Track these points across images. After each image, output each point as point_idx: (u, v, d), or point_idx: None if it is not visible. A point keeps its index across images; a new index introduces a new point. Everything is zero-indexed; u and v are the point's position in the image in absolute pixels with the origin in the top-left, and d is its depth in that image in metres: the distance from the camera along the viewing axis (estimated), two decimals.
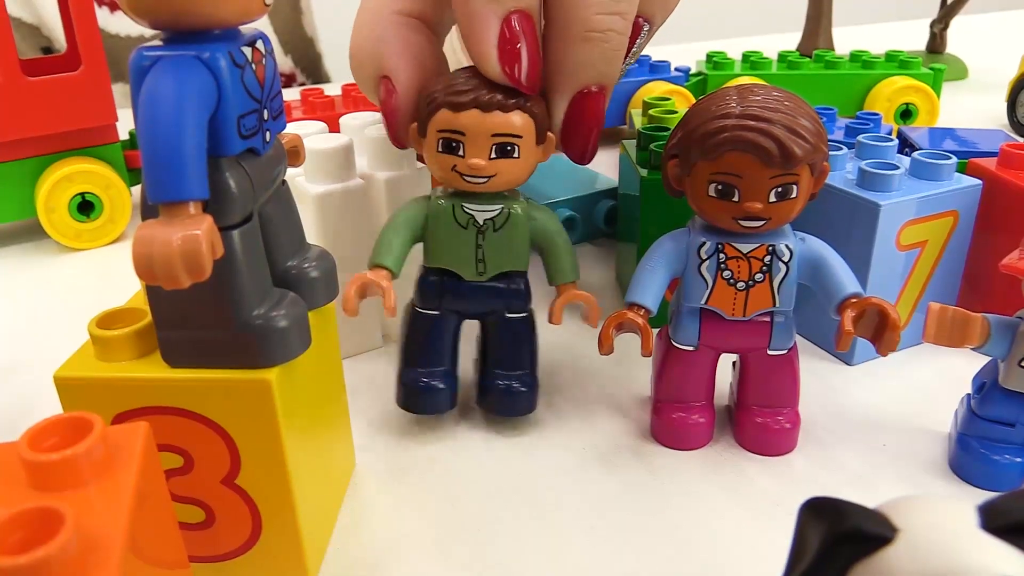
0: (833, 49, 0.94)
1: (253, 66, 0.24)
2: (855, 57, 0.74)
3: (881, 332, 0.30)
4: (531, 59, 0.30)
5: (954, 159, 0.38)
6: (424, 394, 0.35)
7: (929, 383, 0.38)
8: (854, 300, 0.30)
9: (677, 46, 0.99)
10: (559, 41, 0.30)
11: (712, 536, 0.30)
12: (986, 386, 0.32)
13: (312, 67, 0.92)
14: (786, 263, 0.31)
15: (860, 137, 0.41)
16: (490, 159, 0.31)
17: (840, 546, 0.17)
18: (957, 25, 0.97)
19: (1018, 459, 0.31)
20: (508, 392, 0.35)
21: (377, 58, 0.34)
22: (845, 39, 1.00)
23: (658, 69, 0.71)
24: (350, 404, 0.34)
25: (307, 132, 0.41)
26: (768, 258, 0.31)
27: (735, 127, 0.28)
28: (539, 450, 0.35)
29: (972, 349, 0.30)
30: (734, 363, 0.36)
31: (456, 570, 0.28)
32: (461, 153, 0.31)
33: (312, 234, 0.38)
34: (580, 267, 0.34)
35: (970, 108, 0.82)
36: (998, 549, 0.16)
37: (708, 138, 0.29)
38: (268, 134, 0.26)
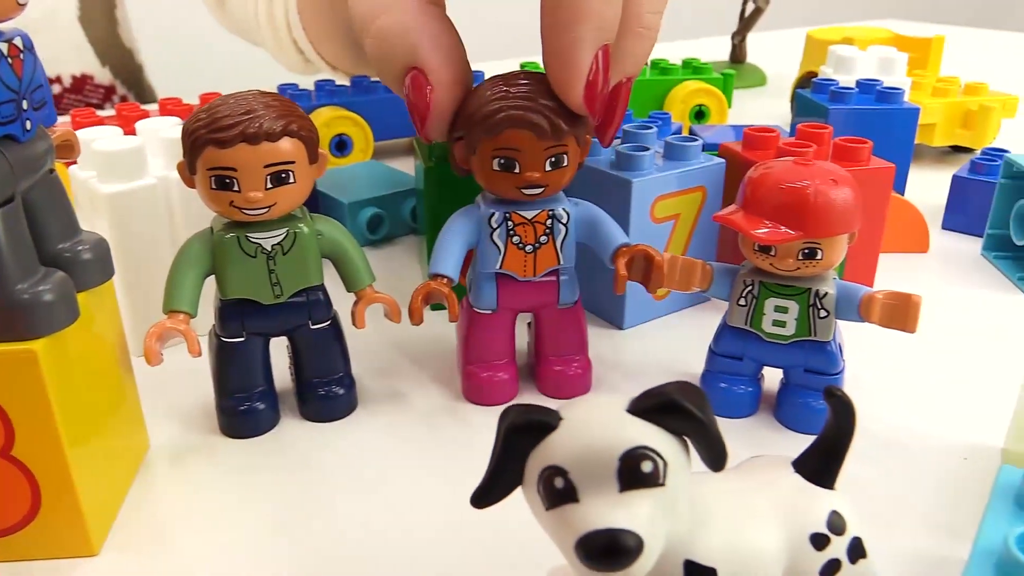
0: (647, 63, 1.01)
1: (9, 60, 0.26)
2: (654, 65, 0.80)
3: (649, 274, 0.35)
4: (604, 91, 0.32)
5: (700, 141, 0.43)
6: (246, 417, 0.36)
7: (689, 339, 0.42)
8: (624, 249, 0.35)
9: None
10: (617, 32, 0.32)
11: None
12: (719, 326, 0.36)
13: (133, 79, 0.91)
14: (565, 224, 0.35)
15: (626, 126, 0.46)
16: (267, 190, 0.32)
17: (515, 435, 0.20)
18: (761, 39, 1.06)
19: (750, 388, 0.36)
20: (328, 397, 0.37)
21: (408, 50, 0.33)
22: (672, 52, 1.07)
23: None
24: (162, 391, 0.35)
25: (101, 135, 0.42)
26: (549, 221, 0.35)
27: (511, 107, 0.32)
28: (349, 423, 0.37)
29: (702, 292, 0.35)
30: (529, 324, 0.39)
31: (241, 539, 0.30)
32: (236, 188, 0.31)
33: (107, 234, 0.39)
34: (391, 261, 0.37)
35: (763, 109, 0.90)
36: (637, 425, 0.19)
37: (488, 118, 0.33)
38: (29, 123, 0.27)
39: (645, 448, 0.19)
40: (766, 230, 0.31)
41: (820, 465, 0.23)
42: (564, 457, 0.19)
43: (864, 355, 0.40)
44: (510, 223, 0.35)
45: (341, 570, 0.28)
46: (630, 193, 0.40)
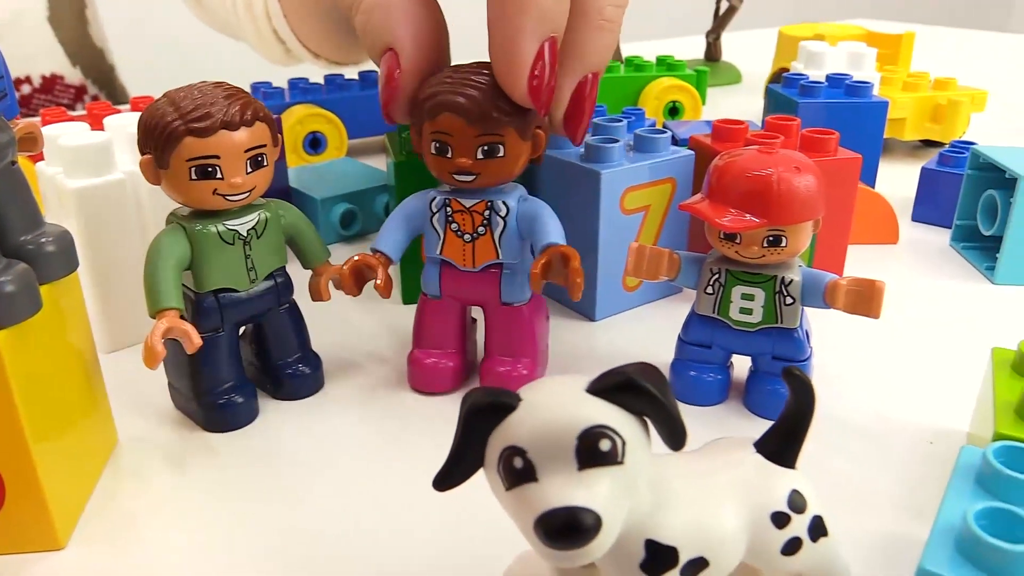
0: (623, 60, 1.01)
1: None
2: (629, 62, 0.80)
3: (569, 277, 0.33)
4: (551, 84, 0.32)
5: (669, 134, 0.43)
6: (226, 410, 0.36)
7: (660, 330, 0.42)
8: (551, 248, 0.34)
9: None
10: (574, 29, 0.32)
11: None
12: (688, 315, 0.36)
13: (104, 79, 0.90)
14: (503, 218, 0.35)
15: (596, 120, 0.46)
16: (247, 174, 0.32)
17: (475, 416, 0.20)
18: (736, 38, 1.07)
19: (719, 376, 0.36)
20: (297, 376, 0.38)
21: (384, 29, 0.34)
22: (647, 51, 1.07)
23: None
24: (131, 386, 0.35)
25: (67, 131, 0.42)
26: (487, 212, 0.35)
27: (447, 92, 0.33)
28: (314, 412, 0.37)
29: (669, 281, 0.35)
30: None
31: (208, 531, 0.30)
32: (219, 176, 0.32)
33: (75, 230, 0.39)
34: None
35: (738, 106, 0.90)
36: (595, 404, 0.19)
37: (428, 101, 0.33)
38: None
39: (603, 427, 0.19)
40: (730, 218, 0.32)
41: (781, 445, 0.23)
42: (523, 437, 0.19)
43: (834, 343, 0.41)
44: (449, 209, 0.35)
45: (308, 559, 0.28)
46: (599, 185, 0.40)
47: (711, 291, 0.35)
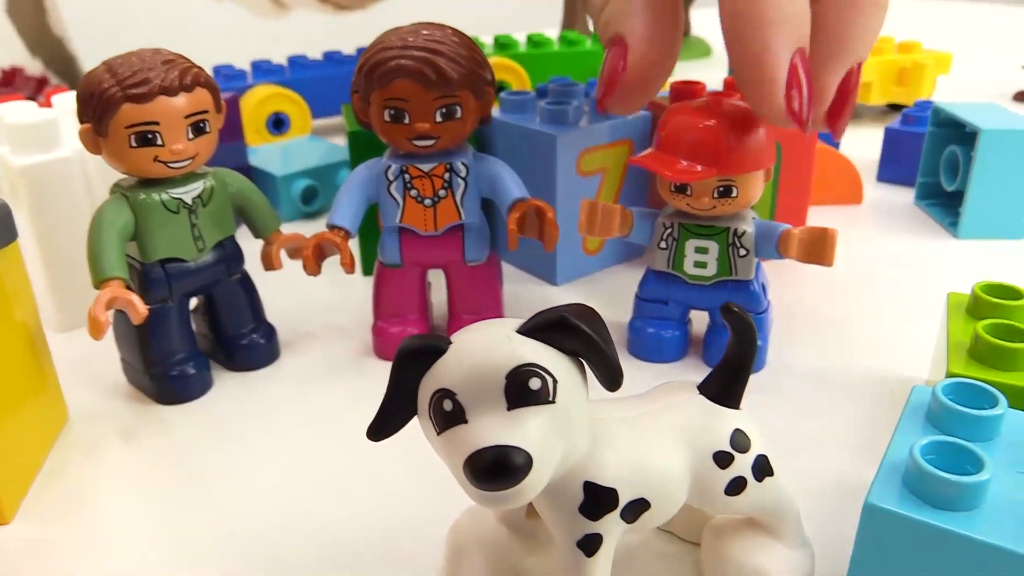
0: (589, 35, 1.01)
1: None
2: (596, 37, 0.80)
3: (543, 230, 0.34)
4: (810, 95, 0.28)
5: None
6: (178, 382, 0.35)
7: (622, 292, 0.42)
8: (518, 204, 0.34)
9: None
10: (839, 15, 0.28)
11: None
12: (645, 272, 0.36)
13: (66, 69, 0.89)
14: (464, 178, 0.35)
15: (551, 85, 0.45)
16: (188, 140, 0.32)
17: (405, 362, 0.20)
18: (708, 13, 1.06)
19: (677, 332, 0.36)
20: (252, 347, 0.37)
21: (615, 14, 0.30)
22: None
23: None
24: (82, 362, 0.35)
25: (13, 109, 0.41)
26: (447, 175, 0.35)
27: (398, 56, 0.32)
28: (269, 384, 0.37)
29: (623, 238, 0.35)
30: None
31: (160, 504, 0.29)
32: (160, 143, 0.31)
33: (24, 209, 0.39)
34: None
35: (708, 80, 0.90)
36: (525, 343, 0.19)
37: (376, 69, 0.32)
38: None
39: (532, 365, 0.18)
40: (678, 168, 0.31)
41: (724, 386, 0.23)
42: (452, 379, 0.19)
43: (799, 298, 0.41)
44: (407, 176, 0.35)
45: (263, 530, 0.28)
46: (555, 147, 0.40)
47: (665, 246, 0.34)
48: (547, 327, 0.19)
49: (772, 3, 0.26)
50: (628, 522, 0.21)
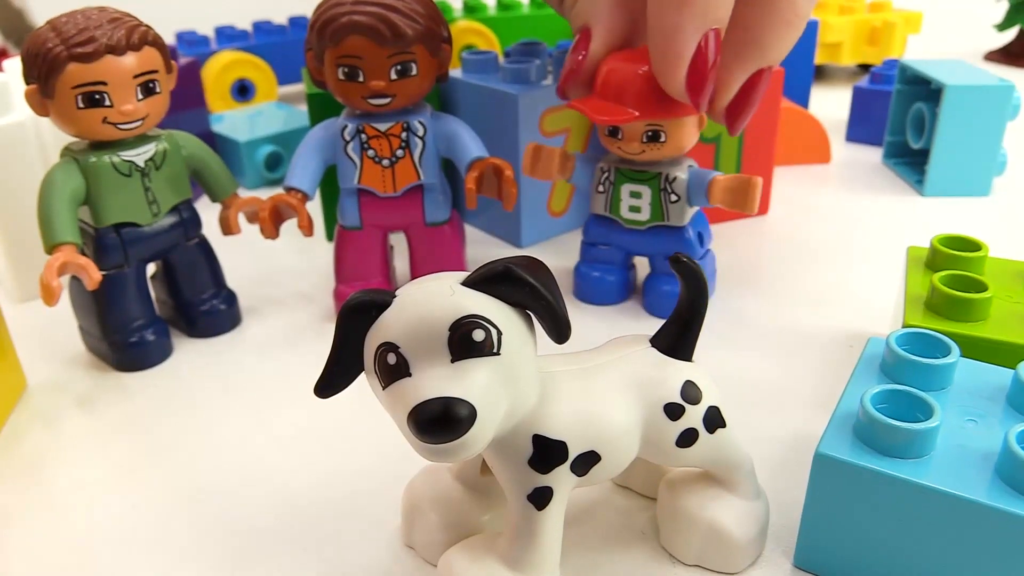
0: None
1: None
2: None
3: (501, 189, 0.34)
4: (711, 79, 0.29)
5: None
6: (137, 349, 0.34)
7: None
8: (476, 163, 0.34)
9: None
10: (760, 20, 0.29)
11: None
12: (587, 217, 0.37)
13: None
14: (421, 138, 0.34)
15: (513, 45, 0.45)
16: (138, 101, 0.31)
17: (350, 317, 0.19)
18: None
19: (618, 276, 0.37)
20: (213, 313, 0.37)
21: (584, 4, 0.32)
22: None
23: None
24: (43, 334, 0.34)
25: None
26: (405, 134, 0.34)
27: (351, 12, 0.31)
28: (230, 350, 0.36)
29: (568, 181, 0.35)
30: None
31: (118, 471, 0.29)
32: (108, 103, 0.30)
33: None
34: None
35: None
36: (469, 295, 0.19)
37: (329, 25, 0.32)
38: None
39: (475, 316, 0.18)
40: (607, 112, 0.31)
41: (675, 338, 0.22)
42: (395, 332, 0.18)
43: (762, 252, 0.41)
44: (363, 136, 0.34)
45: (223, 495, 0.28)
46: (517, 107, 0.39)
47: (602, 189, 0.35)
48: (492, 279, 0.19)
49: None
50: (579, 475, 0.21)
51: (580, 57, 0.32)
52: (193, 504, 0.27)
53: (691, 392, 0.22)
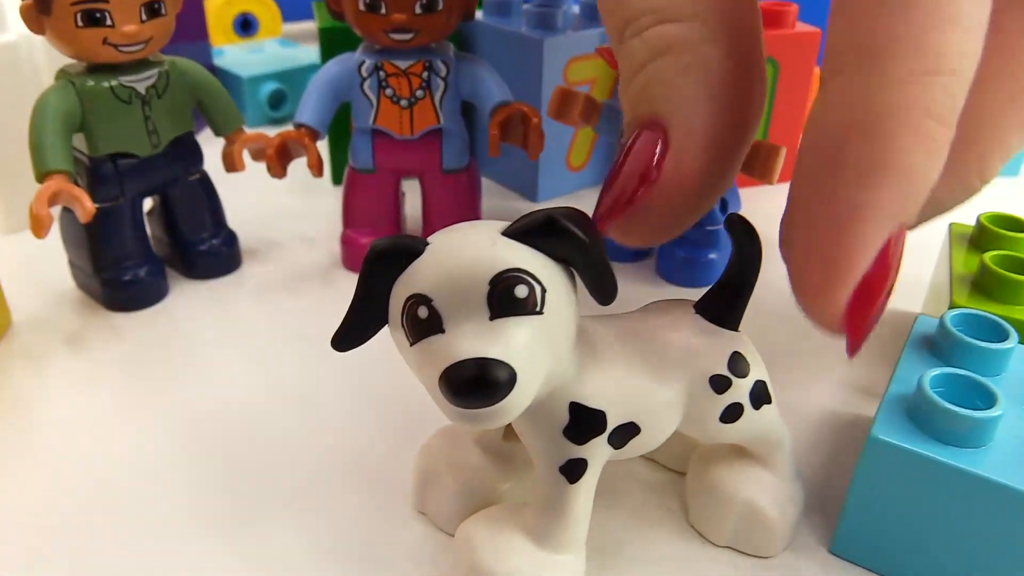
0: None
1: None
2: None
3: (527, 137, 0.31)
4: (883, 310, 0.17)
5: None
6: (130, 288, 0.33)
7: None
8: (500, 108, 0.32)
9: None
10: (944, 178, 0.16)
11: None
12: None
13: None
14: (443, 78, 0.32)
15: None
16: (142, 22, 0.29)
17: (377, 263, 0.17)
18: None
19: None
20: (211, 253, 0.35)
21: (660, 86, 0.17)
22: None
23: None
24: (30, 268, 0.33)
25: None
26: (426, 74, 0.32)
27: None
28: (228, 293, 0.34)
29: (595, 130, 0.33)
30: None
31: (105, 413, 0.27)
32: (109, 23, 0.28)
33: None
34: None
35: None
36: (512, 246, 0.17)
37: None
38: None
39: (519, 271, 0.16)
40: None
41: (723, 305, 0.21)
42: (428, 283, 0.17)
43: None
44: (382, 73, 0.32)
45: (215, 445, 0.26)
46: (541, 54, 0.37)
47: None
48: (536, 230, 0.17)
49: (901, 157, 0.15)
50: (615, 448, 0.19)
51: (653, 173, 0.17)
52: (185, 455, 0.25)
53: (739, 364, 0.20)
